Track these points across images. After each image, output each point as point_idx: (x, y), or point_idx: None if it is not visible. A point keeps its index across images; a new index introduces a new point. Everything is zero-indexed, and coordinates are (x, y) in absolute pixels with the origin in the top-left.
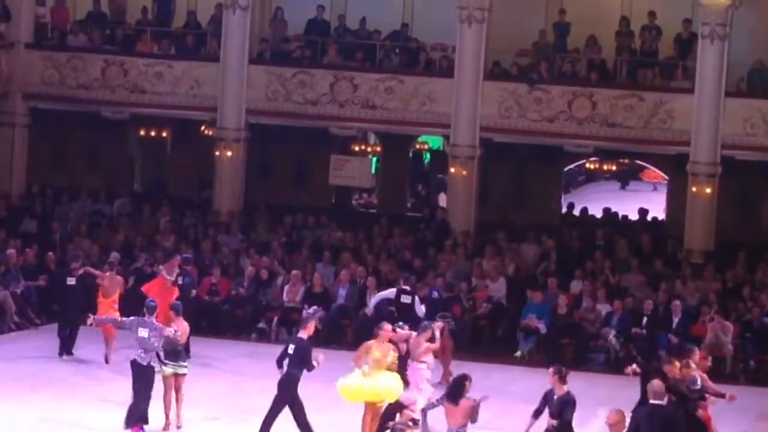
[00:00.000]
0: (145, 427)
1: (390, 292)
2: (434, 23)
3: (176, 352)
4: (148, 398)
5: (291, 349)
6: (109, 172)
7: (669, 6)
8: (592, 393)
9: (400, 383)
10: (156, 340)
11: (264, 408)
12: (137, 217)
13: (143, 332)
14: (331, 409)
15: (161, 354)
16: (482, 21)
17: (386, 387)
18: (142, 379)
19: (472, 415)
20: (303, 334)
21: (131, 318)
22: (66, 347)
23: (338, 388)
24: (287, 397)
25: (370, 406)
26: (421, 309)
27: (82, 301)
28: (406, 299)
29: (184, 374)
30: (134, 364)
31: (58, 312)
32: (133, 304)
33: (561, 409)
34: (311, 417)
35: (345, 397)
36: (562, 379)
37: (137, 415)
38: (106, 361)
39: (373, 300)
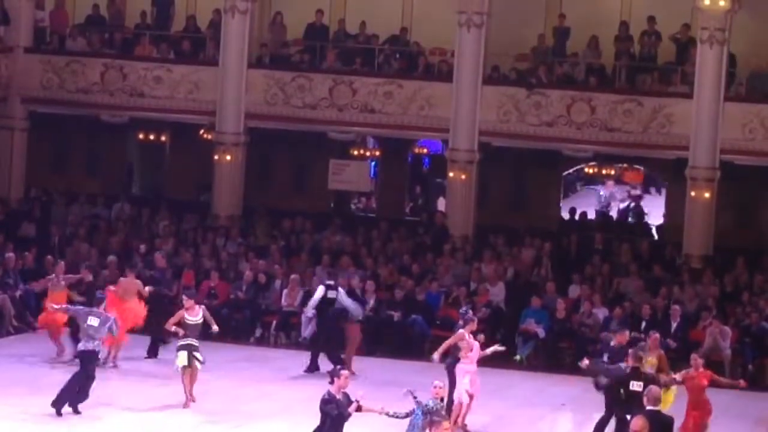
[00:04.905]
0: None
1: (321, 291)
2: (433, 28)
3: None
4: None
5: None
6: (108, 176)
7: (668, 11)
8: (590, 397)
9: None
10: (102, 329)
11: (262, 411)
12: (136, 221)
13: (93, 321)
14: None
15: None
16: (481, 25)
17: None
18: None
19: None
20: None
21: (80, 307)
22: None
23: None
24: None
25: None
26: (348, 301)
27: None
28: (332, 294)
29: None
30: (82, 352)
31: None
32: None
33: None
34: (309, 421)
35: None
36: (331, 380)
37: (68, 397)
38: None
39: (311, 304)
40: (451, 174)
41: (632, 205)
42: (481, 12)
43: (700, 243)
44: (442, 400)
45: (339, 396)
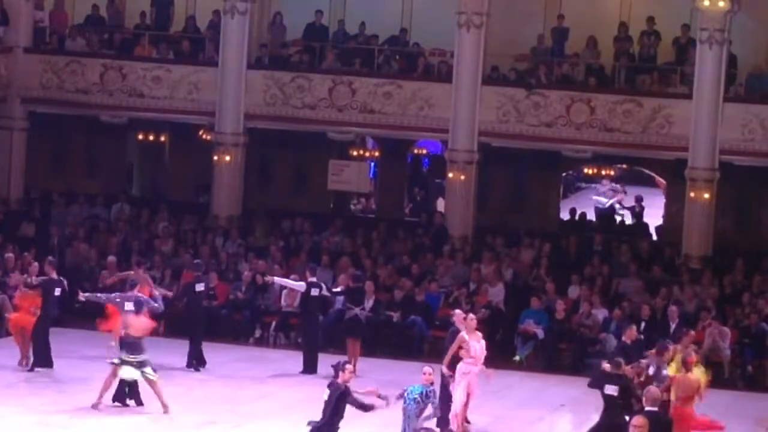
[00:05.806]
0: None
1: (299, 285)
2: (433, 28)
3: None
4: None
5: None
6: (107, 177)
7: (667, 11)
8: (589, 399)
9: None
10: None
11: (262, 411)
12: (135, 221)
13: (129, 306)
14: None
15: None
16: (480, 26)
17: None
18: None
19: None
20: None
21: (113, 294)
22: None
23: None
24: None
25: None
26: (332, 298)
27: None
28: (315, 292)
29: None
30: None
31: (194, 324)
32: None
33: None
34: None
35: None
36: (336, 374)
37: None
38: (22, 365)
39: (284, 282)
40: (450, 174)
41: (617, 203)
42: (481, 12)
43: (700, 244)
44: (431, 384)
45: None
